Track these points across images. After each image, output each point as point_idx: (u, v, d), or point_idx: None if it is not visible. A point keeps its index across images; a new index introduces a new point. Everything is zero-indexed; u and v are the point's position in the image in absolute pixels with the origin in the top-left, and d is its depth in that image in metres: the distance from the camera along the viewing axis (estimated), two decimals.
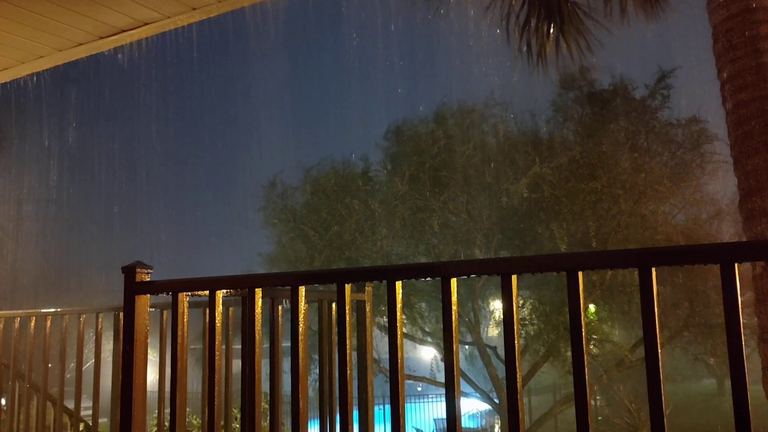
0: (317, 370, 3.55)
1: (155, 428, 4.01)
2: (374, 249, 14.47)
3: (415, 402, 20.61)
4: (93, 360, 4.32)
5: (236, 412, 4.99)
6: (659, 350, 1.65)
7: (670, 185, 13.28)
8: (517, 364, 1.83)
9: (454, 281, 1.95)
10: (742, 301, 1.60)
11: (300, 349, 2.26)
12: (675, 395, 17.58)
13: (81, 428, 4.63)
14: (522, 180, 13.46)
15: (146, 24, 3.90)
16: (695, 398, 21.04)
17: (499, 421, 17.26)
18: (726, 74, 6.23)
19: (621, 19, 9.42)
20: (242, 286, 2.52)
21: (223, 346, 2.89)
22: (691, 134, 13.63)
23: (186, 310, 2.49)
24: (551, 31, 9.51)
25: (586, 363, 1.74)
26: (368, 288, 3.55)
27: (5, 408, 4.88)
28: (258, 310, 2.37)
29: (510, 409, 1.84)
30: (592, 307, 14.51)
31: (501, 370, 15.17)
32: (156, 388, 3.85)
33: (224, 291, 2.45)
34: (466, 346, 16.14)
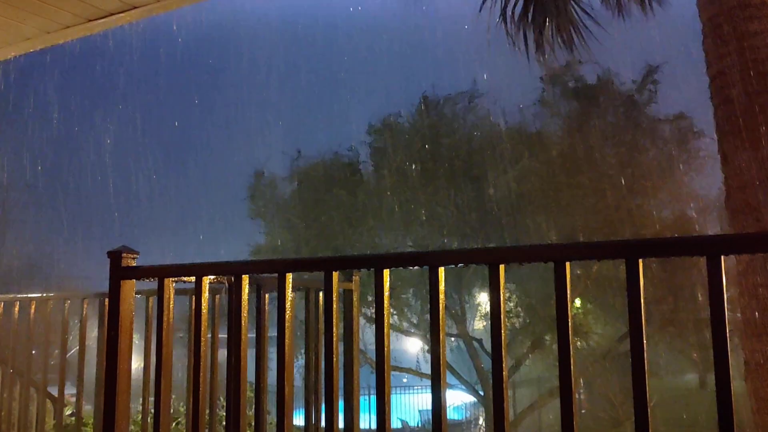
0: (303, 360, 3.54)
1: (140, 415, 4.00)
2: (361, 240, 14.47)
3: (400, 393, 20.67)
4: (78, 346, 4.29)
5: (223, 401, 4.99)
6: (644, 340, 1.66)
7: (657, 181, 13.36)
8: (503, 353, 1.83)
9: (441, 270, 1.94)
10: (726, 296, 1.60)
11: (286, 336, 2.25)
12: (658, 389, 17.69)
13: (65, 414, 4.60)
14: (509, 173, 13.49)
15: (135, 8, 3.86)
16: (678, 393, 21.20)
17: (484, 414, 17.34)
18: (715, 70, 6.25)
19: (615, 13, 9.45)
20: (229, 272, 2.51)
21: (209, 334, 2.88)
22: (679, 130, 13.71)
23: (172, 296, 2.47)
24: (547, 23, 9.53)
25: (571, 353, 1.74)
26: (356, 277, 3.54)
27: None
28: (244, 297, 2.36)
29: (495, 401, 1.84)
30: (577, 302, 14.59)
31: (486, 363, 15.24)
32: (141, 376, 3.84)
33: (211, 277, 2.44)
34: (452, 339, 16.19)
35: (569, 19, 9.58)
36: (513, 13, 9.92)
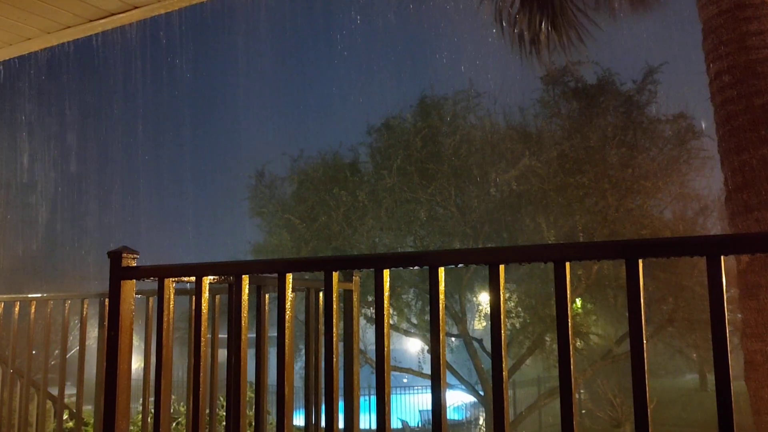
0: (303, 360, 3.54)
1: (140, 415, 4.00)
2: (361, 240, 14.46)
3: (400, 393, 20.67)
4: (78, 347, 4.29)
5: (223, 400, 4.98)
6: (644, 341, 1.66)
7: (657, 181, 13.35)
8: (503, 353, 1.83)
9: (441, 270, 1.94)
10: (726, 296, 1.60)
11: (286, 336, 2.25)
12: (658, 390, 17.73)
13: (65, 415, 4.60)
14: (510, 172, 13.48)
15: (136, 8, 3.86)
16: (678, 393, 21.21)
17: (484, 414, 17.34)
18: (715, 70, 6.26)
19: (612, 13, 9.45)
20: (229, 272, 2.50)
21: (209, 334, 2.88)
22: (679, 130, 13.70)
23: (172, 297, 2.47)
24: (543, 23, 9.53)
25: (571, 353, 1.74)
26: (356, 277, 3.54)
27: None
28: (245, 297, 2.36)
29: (495, 401, 1.84)
30: (577, 302, 14.59)
31: (486, 363, 15.24)
32: (141, 376, 3.83)
33: (211, 278, 2.44)
34: (452, 339, 16.19)
35: (567, 19, 9.59)
36: (510, 13, 9.93)
